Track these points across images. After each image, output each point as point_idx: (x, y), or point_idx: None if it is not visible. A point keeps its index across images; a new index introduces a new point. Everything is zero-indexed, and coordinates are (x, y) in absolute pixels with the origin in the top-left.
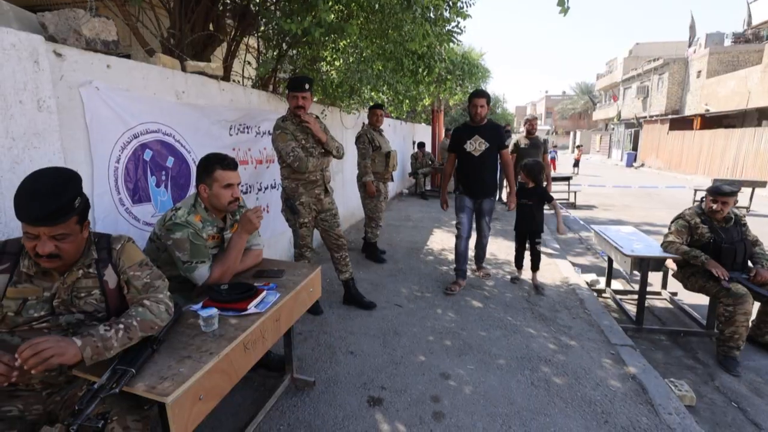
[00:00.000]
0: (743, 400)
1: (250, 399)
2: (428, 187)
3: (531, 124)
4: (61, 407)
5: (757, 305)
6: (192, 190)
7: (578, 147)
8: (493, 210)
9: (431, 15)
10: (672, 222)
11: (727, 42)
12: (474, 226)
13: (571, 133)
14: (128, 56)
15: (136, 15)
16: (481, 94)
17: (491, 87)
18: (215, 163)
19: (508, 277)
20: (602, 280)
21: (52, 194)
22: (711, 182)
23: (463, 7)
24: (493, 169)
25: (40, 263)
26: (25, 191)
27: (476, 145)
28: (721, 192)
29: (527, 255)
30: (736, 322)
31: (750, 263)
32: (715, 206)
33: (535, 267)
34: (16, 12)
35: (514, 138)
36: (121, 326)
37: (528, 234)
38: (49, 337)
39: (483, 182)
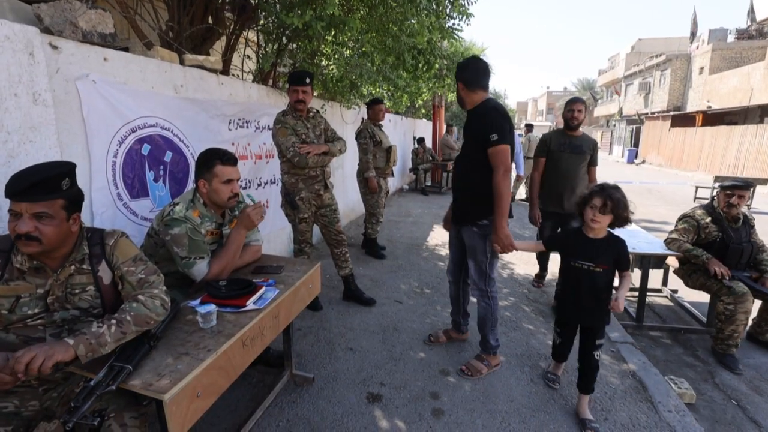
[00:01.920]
0: (743, 398)
1: (249, 395)
2: (428, 183)
3: (575, 110)
4: (58, 403)
5: (757, 304)
6: (190, 185)
7: None
8: (482, 249)
9: (434, 6)
10: (679, 220)
11: (731, 38)
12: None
13: None
14: (126, 49)
15: (134, 7)
16: (457, 68)
17: (492, 83)
18: (215, 158)
19: (502, 271)
20: None
21: (38, 170)
22: (712, 179)
23: (464, 5)
24: (471, 180)
25: (19, 246)
26: (18, 171)
27: (461, 143)
28: (738, 186)
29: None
30: (737, 321)
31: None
32: (732, 200)
33: (586, 387)
34: (10, 3)
35: (524, 135)
36: (114, 321)
37: (583, 329)
38: (30, 347)
39: (456, 199)
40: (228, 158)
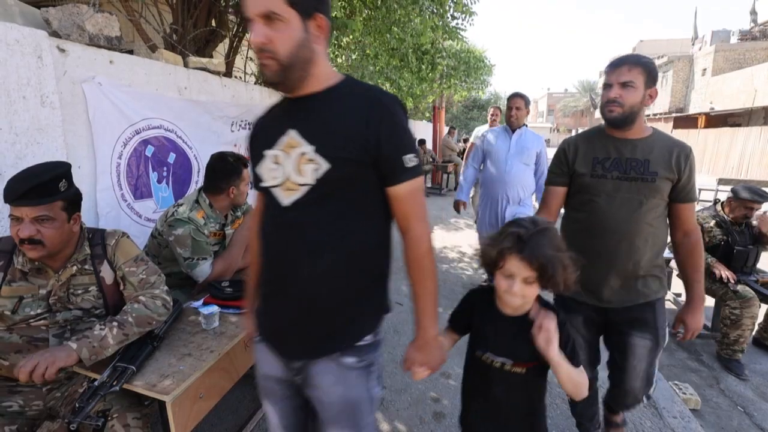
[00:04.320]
0: (749, 405)
1: (250, 396)
2: (429, 185)
3: (613, 84)
4: (62, 403)
5: (763, 308)
6: (193, 186)
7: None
8: (369, 398)
9: (436, 8)
10: None
11: (734, 39)
12: None
13: (573, 131)
14: (131, 52)
15: (139, 11)
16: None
17: (493, 83)
18: (240, 164)
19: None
20: None
21: (35, 174)
22: (716, 182)
23: (467, 4)
24: (344, 247)
25: (24, 250)
26: (14, 175)
27: (290, 170)
28: (752, 199)
29: None
30: (743, 326)
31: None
32: (749, 213)
33: None
34: (20, 7)
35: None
36: (116, 323)
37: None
38: (32, 354)
39: (296, 295)
40: (246, 161)
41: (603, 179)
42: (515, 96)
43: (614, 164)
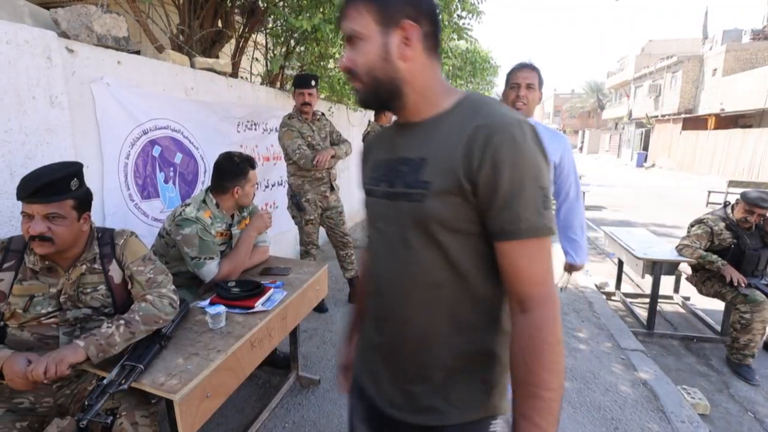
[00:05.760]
0: (760, 410)
1: (256, 396)
2: None
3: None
4: (71, 400)
5: None
6: (200, 187)
7: None
8: None
9: (443, 6)
10: (692, 225)
11: (745, 39)
12: None
13: (580, 132)
14: (138, 53)
15: (147, 11)
16: None
17: (499, 83)
18: (246, 165)
19: None
20: (612, 283)
21: (47, 172)
22: (726, 184)
23: (474, 4)
24: None
25: (34, 247)
26: (27, 173)
27: None
28: (761, 206)
29: None
30: (753, 330)
31: None
32: (750, 218)
33: None
34: (30, 8)
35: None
36: (122, 322)
37: None
38: (40, 358)
39: None
40: (254, 162)
41: (372, 197)
42: (524, 67)
43: (386, 170)
